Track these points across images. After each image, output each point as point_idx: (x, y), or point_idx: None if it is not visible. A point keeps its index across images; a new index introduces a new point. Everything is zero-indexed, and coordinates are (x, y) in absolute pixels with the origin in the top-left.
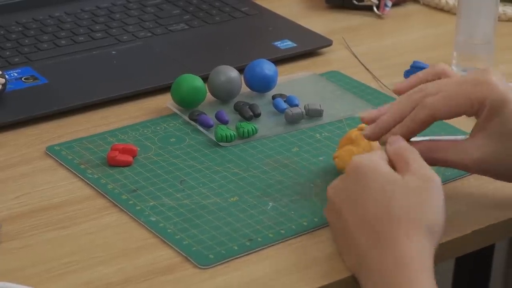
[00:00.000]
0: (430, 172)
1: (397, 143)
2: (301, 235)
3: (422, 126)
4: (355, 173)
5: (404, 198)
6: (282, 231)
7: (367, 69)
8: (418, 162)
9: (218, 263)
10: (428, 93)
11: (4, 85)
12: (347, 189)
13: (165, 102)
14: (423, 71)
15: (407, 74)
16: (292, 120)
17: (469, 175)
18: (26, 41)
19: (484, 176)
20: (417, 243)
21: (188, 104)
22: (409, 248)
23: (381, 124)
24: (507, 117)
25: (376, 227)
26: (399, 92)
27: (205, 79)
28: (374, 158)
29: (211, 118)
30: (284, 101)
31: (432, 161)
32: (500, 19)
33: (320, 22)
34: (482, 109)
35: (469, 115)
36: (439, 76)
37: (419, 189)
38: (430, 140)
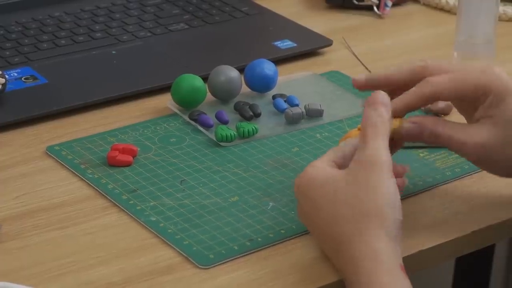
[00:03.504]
0: (376, 155)
1: (374, 107)
2: (301, 235)
3: (424, 102)
4: (298, 194)
5: (345, 193)
6: (282, 231)
7: (367, 69)
8: (369, 145)
9: (218, 263)
10: (431, 68)
11: (4, 85)
12: (301, 209)
13: (165, 102)
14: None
15: None
16: (292, 120)
17: (469, 174)
18: (26, 41)
19: (484, 177)
20: (368, 240)
21: (188, 104)
22: (359, 249)
23: (371, 75)
24: (509, 105)
25: (329, 235)
26: (357, 84)
27: (205, 79)
28: (307, 170)
29: (211, 118)
30: (284, 101)
31: (435, 136)
32: (500, 19)
33: (320, 22)
34: (486, 95)
35: (470, 100)
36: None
37: (358, 179)
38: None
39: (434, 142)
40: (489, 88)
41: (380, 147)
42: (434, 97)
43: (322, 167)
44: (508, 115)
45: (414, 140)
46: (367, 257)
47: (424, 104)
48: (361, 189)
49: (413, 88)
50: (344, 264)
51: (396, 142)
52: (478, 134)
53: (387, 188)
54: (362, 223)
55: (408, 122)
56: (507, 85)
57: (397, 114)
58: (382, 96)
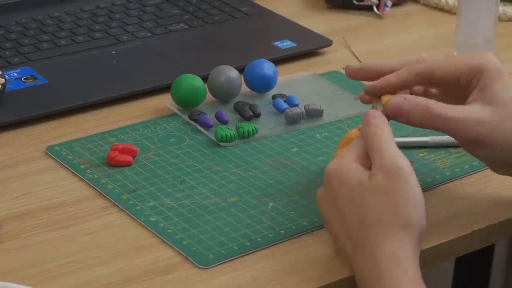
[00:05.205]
0: (396, 160)
1: (368, 124)
2: (301, 235)
3: (418, 79)
4: (327, 183)
5: (373, 200)
6: (282, 231)
7: None
8: (384, 151)
9: (218, 263)
10: (425, 57)
11: (4, 85)
12: (326, 200)
13: (165, 102)
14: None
15: None
16: (292, 120)
17: (469, 174)
18: (26, 41)
19: (484, 177)
20: (393, 246)
21: (188, 104)
22: (384, 254)
23: (365, 64)
24: (502, 85)
25: (354, 235)
26: (350, 71)
27: (205, 79)
28: (342, 163)
29: (211, 118)
30: (284, 101)
31: (429, 119)
32: (500, 19)
33: (320, 22)
34: (479, 77)
35: (463, 82)
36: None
37: (386, 187)
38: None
39: (427, 123)
40: (482, 69)
41: (393, 152)
42: (429, 75)
43: (353, 168)
44: (501, 94)
45: (399, 118)
46: (392, 262)
47: (418, 82)
48: (390, 198)
49: (408, 66)
50: (363, 265)
51: None
52: (477, 111)
53: (414, 196)
54: (389, 231)
55: (398, 97)
56: (498, 66)
57: (391, 90)
58: (374, 112)
